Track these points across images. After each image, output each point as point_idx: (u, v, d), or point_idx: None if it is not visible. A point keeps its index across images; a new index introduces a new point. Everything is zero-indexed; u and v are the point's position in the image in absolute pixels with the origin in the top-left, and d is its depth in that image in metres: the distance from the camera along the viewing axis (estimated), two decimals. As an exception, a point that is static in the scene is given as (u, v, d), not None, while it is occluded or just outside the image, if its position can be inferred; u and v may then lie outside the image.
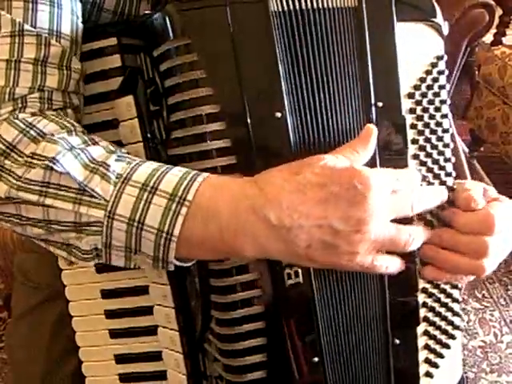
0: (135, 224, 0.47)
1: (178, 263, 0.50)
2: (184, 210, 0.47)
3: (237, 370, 0.54)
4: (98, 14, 0.64)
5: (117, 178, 0.49)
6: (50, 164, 0.48)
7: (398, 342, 0.57)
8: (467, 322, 1.71)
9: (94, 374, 0.68)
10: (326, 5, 0.54)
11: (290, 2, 0.53)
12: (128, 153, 0.54)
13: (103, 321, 0.67)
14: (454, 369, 0.64)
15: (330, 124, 0.54)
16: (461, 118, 2.21)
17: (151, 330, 0.64)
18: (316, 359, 0.54)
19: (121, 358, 0.67)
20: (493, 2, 1.25)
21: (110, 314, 0.66)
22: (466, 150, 2.24)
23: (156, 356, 0.65)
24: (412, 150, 0.57)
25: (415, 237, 0.50)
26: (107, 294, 0.66)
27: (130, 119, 0.60)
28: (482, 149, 2.22)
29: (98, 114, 0.62)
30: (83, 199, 0.49)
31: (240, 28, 0.52)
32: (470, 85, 2.28)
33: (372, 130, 0.50)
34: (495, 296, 1.82)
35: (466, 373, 1.56)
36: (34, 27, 0.52)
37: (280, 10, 0.53)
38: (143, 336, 0.66)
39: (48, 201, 0.49)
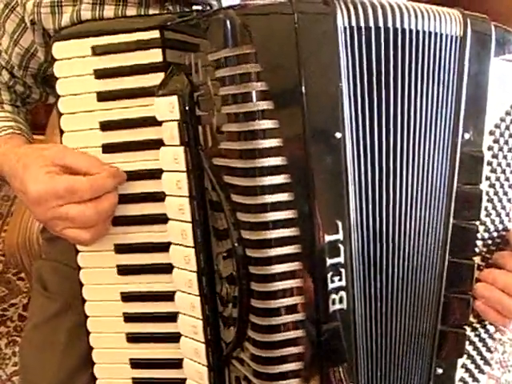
0: None
1: None
2: None
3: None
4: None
5: None
6: None
7: (440, 371, 0.57)
8: (502, 354, 1.59)
9: (106, 377, 0.66)
10: (430, 29, 0.52)
11: (362, 19, 0.50)
12: None
13: (121, 324, 0.64)
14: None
15: (399, 149, 0.53)
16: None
17: (172, 338, 0.62)
18: (353, 387, 0.54)
19: (136, 363, 0.65)
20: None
21: (129, 318, 0.64)
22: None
23: (175, 364, 0.63)
24: (484, 186, 0.57)
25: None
26: (127, 298, 0.63)
27: (171, 120, 0.56)
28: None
29: (134, 110, 0.59)
30: None
31: (306, 39, 0.49)
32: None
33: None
34: (533, 327, 1.67)
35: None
36: None
37: (353, 24, 0.50)
38: (162, 343, 0.64)
39: None
